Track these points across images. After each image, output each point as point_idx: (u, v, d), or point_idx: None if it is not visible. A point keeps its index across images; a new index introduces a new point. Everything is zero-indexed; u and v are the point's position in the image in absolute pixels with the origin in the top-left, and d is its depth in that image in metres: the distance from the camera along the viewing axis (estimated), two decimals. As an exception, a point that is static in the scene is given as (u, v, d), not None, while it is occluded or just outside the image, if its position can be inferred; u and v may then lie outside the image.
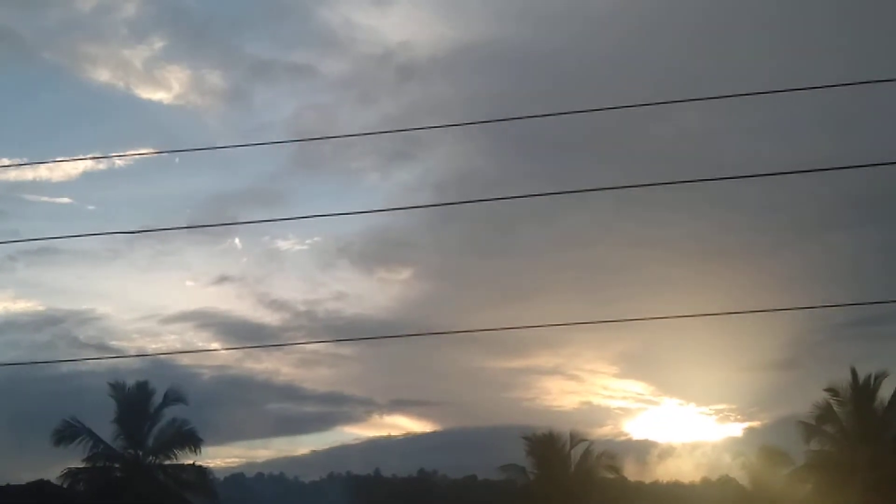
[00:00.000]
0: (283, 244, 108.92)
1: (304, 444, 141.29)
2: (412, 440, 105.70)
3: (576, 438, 45.82)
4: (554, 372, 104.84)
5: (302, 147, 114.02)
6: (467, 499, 64.66)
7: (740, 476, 46.17)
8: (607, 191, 15.49)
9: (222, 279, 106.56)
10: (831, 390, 40.48)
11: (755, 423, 78.79)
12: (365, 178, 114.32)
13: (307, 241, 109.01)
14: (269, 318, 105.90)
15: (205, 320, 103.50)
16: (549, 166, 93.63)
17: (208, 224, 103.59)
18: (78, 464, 42.01)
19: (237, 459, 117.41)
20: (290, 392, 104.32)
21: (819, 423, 40.66)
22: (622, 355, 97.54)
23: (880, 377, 39.82)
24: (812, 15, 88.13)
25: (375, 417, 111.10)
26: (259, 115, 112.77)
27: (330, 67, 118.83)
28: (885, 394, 39.73)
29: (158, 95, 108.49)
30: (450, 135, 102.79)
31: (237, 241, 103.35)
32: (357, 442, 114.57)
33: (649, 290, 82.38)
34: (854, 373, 40.16)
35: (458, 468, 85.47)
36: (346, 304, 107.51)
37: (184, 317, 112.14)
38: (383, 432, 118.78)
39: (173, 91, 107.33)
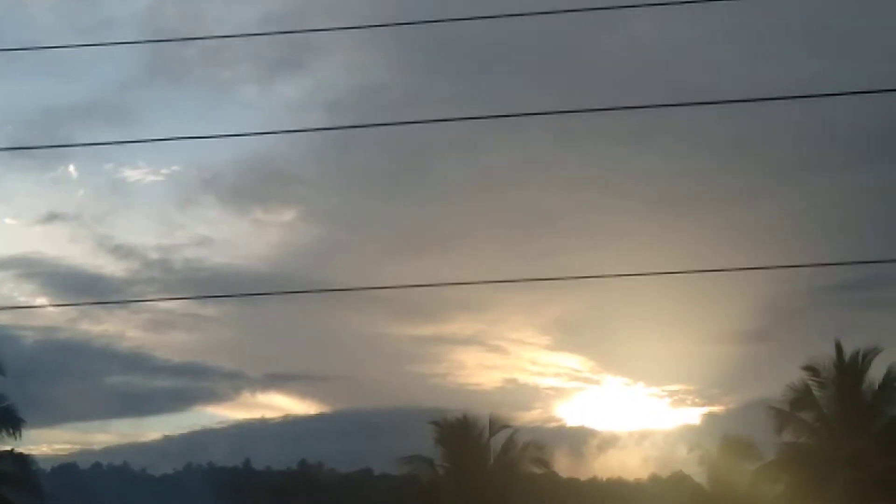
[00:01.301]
0: (131, 174, 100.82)
1: (154, 428, 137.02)
2: (292, 424, 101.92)
3: (496, 425, 43.62)
4: (472, 341, 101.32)
5: (159, 50, 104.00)
6: (360, 497, 59.53)
7: (697, 473, 43.46)
8: (544, 117, 14.76)
9: (52, 217, 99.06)
10: (810, 369, 37.75)
11: (717, 408, 77.76)
12: (240, 91, 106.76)
13: (163, 171, 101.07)
14: (112, 267, 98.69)
15: (28, 268, 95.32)
16: (473, 85, 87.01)
17: (35, 146, 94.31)
18: None
19: (68, 446, 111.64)
20: (137, 361, 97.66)
21: (794, 409, 37.87)
22: (556, 322, 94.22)
23: (870, 354, 37.15)
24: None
25: (246, 395, 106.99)
26: (103, 9, 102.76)
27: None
28: (875, 375, 37.07)
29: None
30: (348, 40, 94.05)
31: (72, 168, 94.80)
32: (222, 426, 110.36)
33: (592, 242, 78.46)
34: (839, 348, 37.46)
35: (350, 460, 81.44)
36: (212, 252, 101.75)
37: (1, 264, 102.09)
38: (256, 414, 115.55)
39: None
